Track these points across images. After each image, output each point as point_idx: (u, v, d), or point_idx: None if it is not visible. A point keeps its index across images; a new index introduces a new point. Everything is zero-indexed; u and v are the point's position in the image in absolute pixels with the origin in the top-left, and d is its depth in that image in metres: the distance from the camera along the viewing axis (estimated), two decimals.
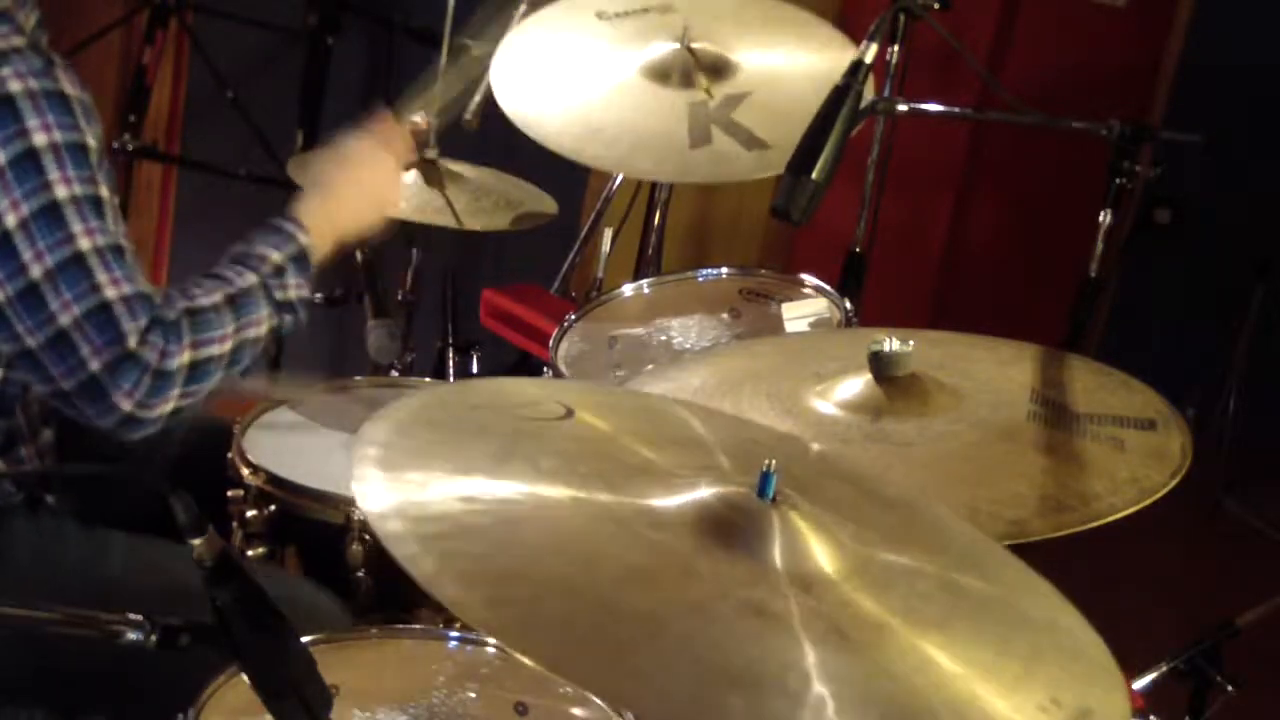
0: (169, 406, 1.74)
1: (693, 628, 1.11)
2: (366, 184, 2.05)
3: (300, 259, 1.89)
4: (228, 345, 1.79)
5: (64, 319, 1.67)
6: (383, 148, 2.10)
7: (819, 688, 1.07)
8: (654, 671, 1.06)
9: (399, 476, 1.23)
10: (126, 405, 1.71)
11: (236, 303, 1.81)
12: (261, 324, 1.83)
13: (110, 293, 1.69)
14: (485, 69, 2.47)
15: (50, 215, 1.67)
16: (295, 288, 1.88)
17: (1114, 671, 1.22)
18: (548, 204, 2.66)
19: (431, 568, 1.11)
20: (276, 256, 1.87)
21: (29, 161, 1.66)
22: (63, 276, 1.67)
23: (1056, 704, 1.13)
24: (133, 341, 1.69)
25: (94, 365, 1.69)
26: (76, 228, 1.68)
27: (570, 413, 1.39)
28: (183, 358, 1.74)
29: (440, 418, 1.38)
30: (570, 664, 1.07)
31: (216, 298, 1.80)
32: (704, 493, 1.24)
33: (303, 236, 1.90)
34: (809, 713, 1.05)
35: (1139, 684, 2.03)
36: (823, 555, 1.21)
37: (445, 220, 2.44)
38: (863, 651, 1.13)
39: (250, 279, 1.84)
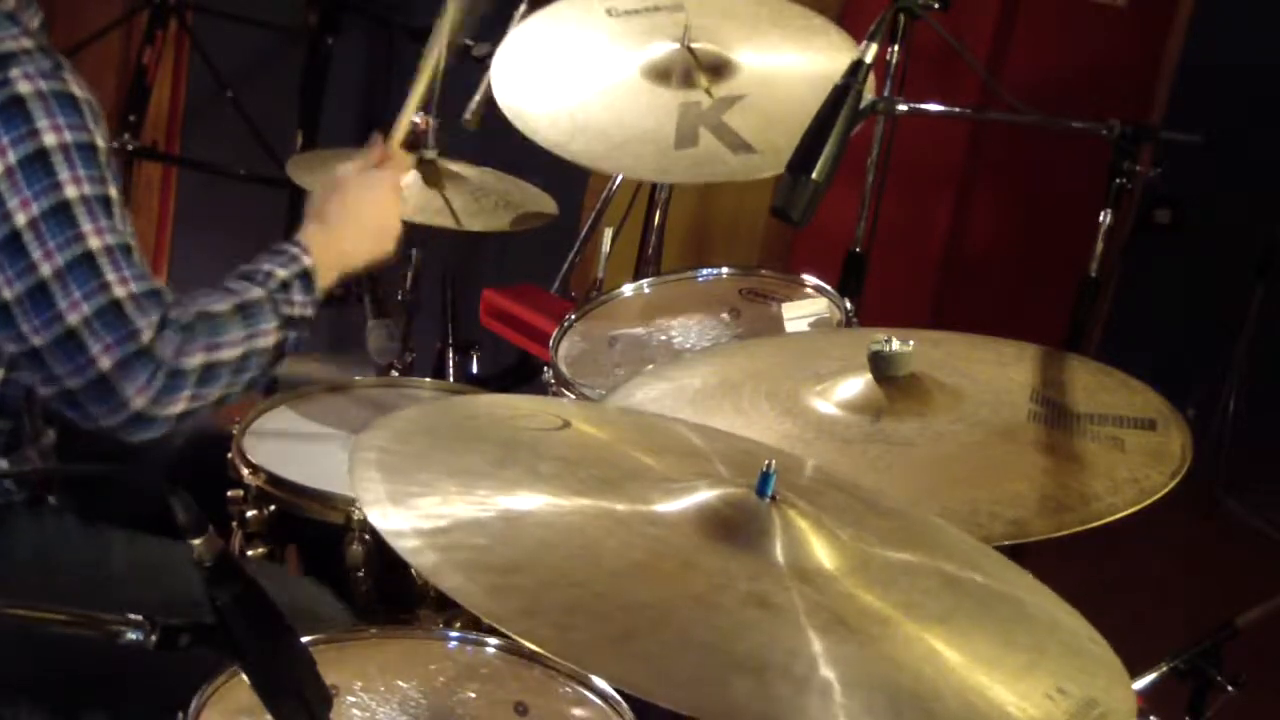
0: (179, 408, 1.75)
1: (695, 617, 1.12)
2: (364, 213, 2.03)
3: (304, 278, 1.91)
4: (239, 350, 1.80)
5: (72, 318, 1.68)
6: (377, 175, 2.07)
7: (824, 673, 1.08)
8: (658, 656, 1.07)
9: (399, 477, 1.23)
10: (139, 403, 1.71)
11: (246, 311, 1.83)
12: (270, 335, 1.85)
13: (120, 291, 1.69)
14: (443, 57, 2.42)
15: (60, 214, 1.67)
16: (300, 306, 1.89)
17: (1117, 666, 1.22)
18: (547, 204, 2.66)
19: (433, 560, 1.13)
20: (282, 273, 1.89)
21: (39, 161, 1.66)
22: (72, 275, 1.68)
23: (1063, 693, 1.14)
24: (147, 337, 1.70)
25: (104, 364, 1.69)
26: (86, 227, 1.68)
27: (567, 424, 1.40)
28: (197, 358, 1.75)
29: (438, 427, 1.38)
30: (573, 649, 1.07)
31: (227, 306, 1.82)
32: (704, 494, 1.25)
33: (306, 259, 1.92)
34: (815, 697, 1.06)
35: (1139, 684, 2.03)
36: (823, 552, 1.22)
37: (445, 221, 2.44)
38: (868, 641, 1.14)
39: (258, 292, 1.86)
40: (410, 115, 2.22)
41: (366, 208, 2.04)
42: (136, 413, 1.72)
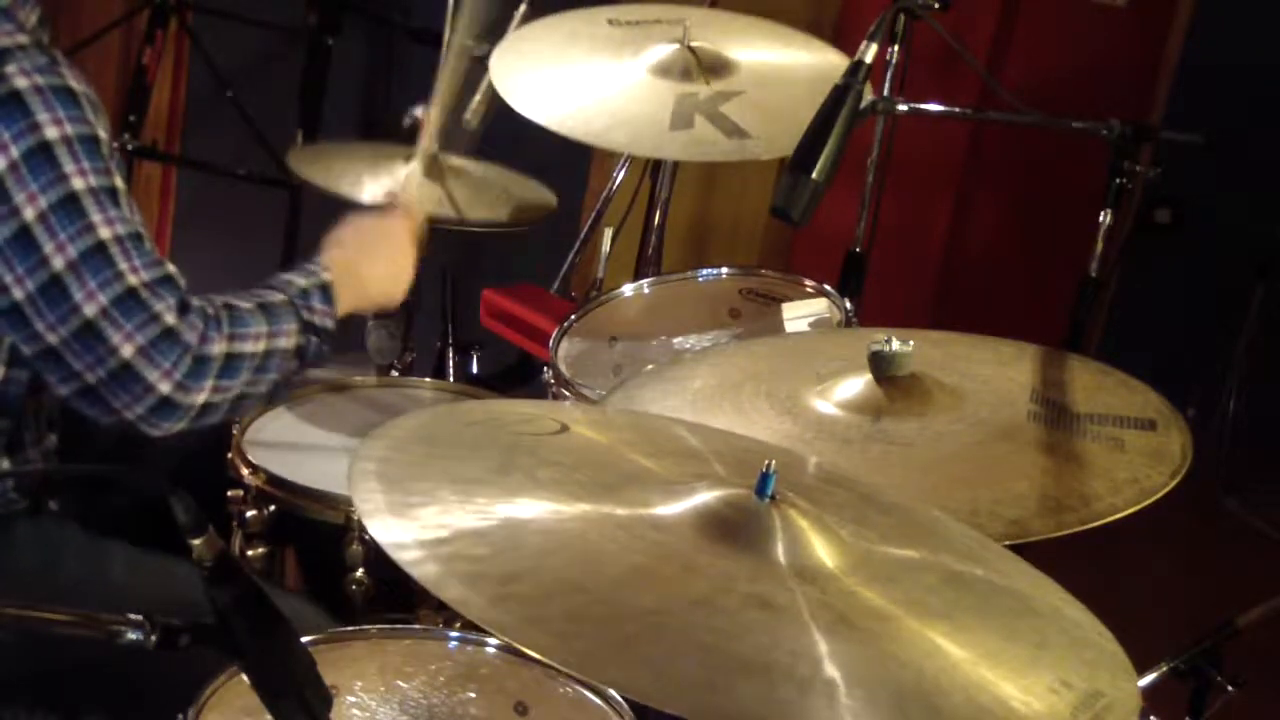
0: (202, 397, 1.76)
1: (698, 619, 1.12)
2: (381, 253, 2.09)
3: (323, 290, 1.94)
4: (261, 345, 1.82)
5: (89, 309, 1.68)
6: (395, 222, 2.13)
7: (828, 673, 1.08)
8: (661, 660, 1.07)
9: (399, 487, 1.23)
10: (165, 386, 1.72)
11: (268, 311, 1.86)
12: (291, 336, 1.87)
13: (133, 279, 1.70)
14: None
15: (70, 206, 1.67)
16: (320, 315, 1.92)
17: (1122, 658, 1.23)
18: (547, 197, 2.66)
19: (435, 571, 1.13)
20: (302, 282, 1.93)
21: (43, 155, 1.66)
22: (86, 266, 1.68)
23: (1067, 686, 1.14)
24: (170, 319, 1.72)
25: (126, 351, 1.70)
26: (96, 217, 1.69)
27: (565, 428, 1.40)
28: (221, 346, 1.77)
29: (436, 435, 1.39)
30: (576, 656, 1.08)
31: (250, 303, 1.85)
32: (703, 495, 1.25)
33: (325, 274, 1.96)
34: (819, 697, 1.06)
35: (1139, 684, 2.03)
36: (824, 551, 1.22)
37: (446, 211, 2.44)
38: (871, 639, 1.14)
39: (278, 296, 1.89)
40: (428, 150, 2.25)
41: (384, 250, 2.09)
42: (162, 398, 1.73)
